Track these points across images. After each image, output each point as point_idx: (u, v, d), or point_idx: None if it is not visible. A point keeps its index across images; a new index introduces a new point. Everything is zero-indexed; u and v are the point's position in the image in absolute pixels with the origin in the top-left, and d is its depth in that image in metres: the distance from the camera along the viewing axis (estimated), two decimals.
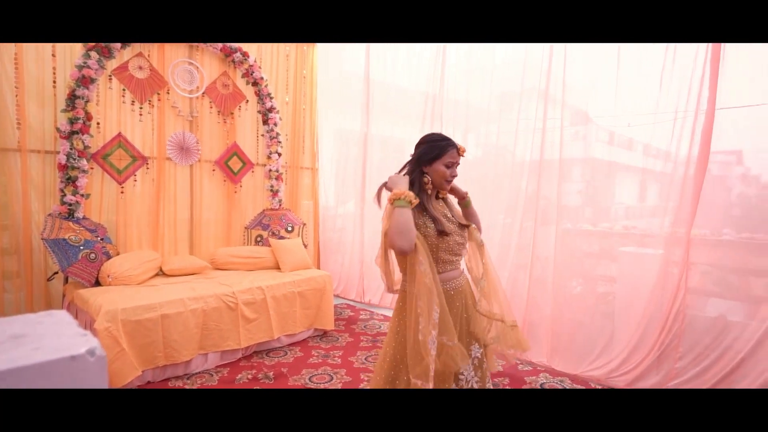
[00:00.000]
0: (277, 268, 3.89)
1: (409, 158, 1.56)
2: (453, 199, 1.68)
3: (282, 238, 4.17)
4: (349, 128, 4.79)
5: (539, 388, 2.83)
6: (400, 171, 1.55)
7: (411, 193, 1.38)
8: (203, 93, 3.89)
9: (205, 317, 2.93)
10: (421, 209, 1.46)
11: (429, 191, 1.51)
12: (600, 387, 2.77)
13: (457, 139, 3.60)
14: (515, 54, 3.18)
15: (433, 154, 1.49)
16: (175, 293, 2.90)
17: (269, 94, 4.29)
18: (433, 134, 1.55)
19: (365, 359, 3.28)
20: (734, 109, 2.29)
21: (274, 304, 3.36)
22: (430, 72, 3.81)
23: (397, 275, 1.55)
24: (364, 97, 4.46)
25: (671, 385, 2.45)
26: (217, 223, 4.10)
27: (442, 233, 1.46)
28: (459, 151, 1.52)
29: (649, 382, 2.53)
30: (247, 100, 4.23)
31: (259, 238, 4.17)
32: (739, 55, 2.25)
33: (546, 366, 3.04)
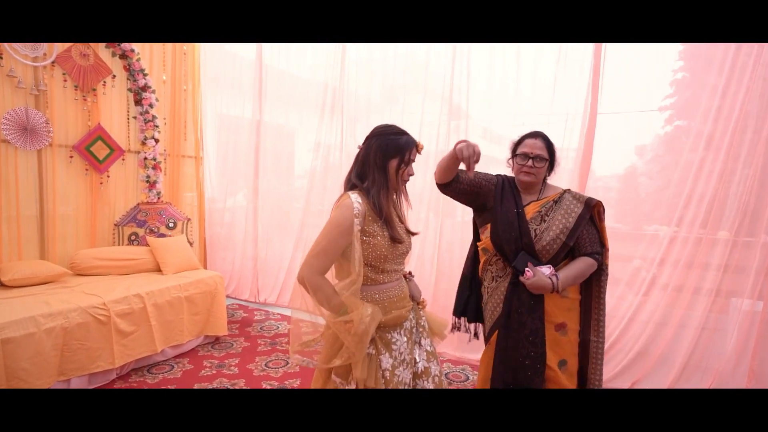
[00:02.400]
0: (158, 270, 3.42)
1: (360, 151, 1.39)
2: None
3: (162, 235, 3.67)
4: (239, 114, 4.39)
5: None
6: (351, 170, 1.40)
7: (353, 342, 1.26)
8: (53, 62, 3.19)
9: (66, 336, 2.42)
10: (377, 214, 1.32)
11: (389, 190, 1.37)
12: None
13: (358, 131, 3.58)
14: (420, 49, 3.21)
15: (392, 150, 1.34)
16: (21, 310, 2.34)
17: (142, 70, 3.70)
18: (388, 126, 1.39)
19: (265, 365, 3.06)
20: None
21: (157, 313, 2.94)
22: (330, 60, 3.65)
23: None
24: (256, 83, 4.12)
25: None
26: (78, 220, 3.43)
27: (395, 240, 1.34)
28: (418, 148, 1.39)
29: None
30: (114, 75, 3.59)
31: (133, 237, 3.61)
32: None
33: (449, 356, 3.18)
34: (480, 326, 1.83)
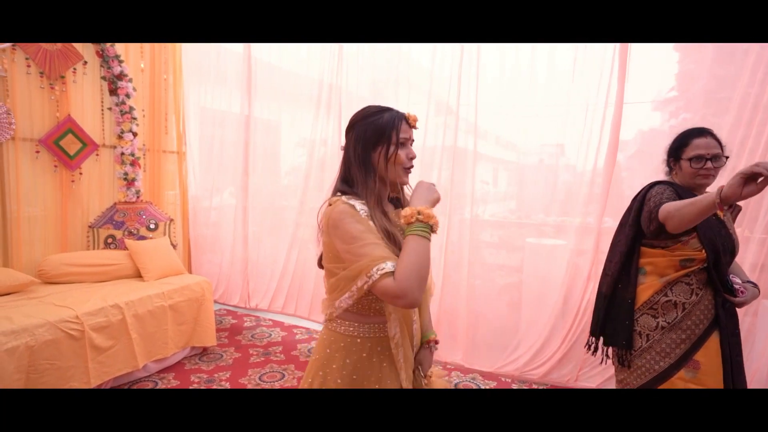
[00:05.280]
0: (139, 276, 3.12)
1: (344, 151, 1.12)
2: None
3: (143, 238, 3.36)
4: (225, 108, 4.07)
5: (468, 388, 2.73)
6: (341, 172, 1.12)
7: (431, 214, 0.98)
8: (14, 45, 2.85)
9: (32, 356, 2.12)
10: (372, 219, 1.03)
11: (380, 193, 1.08)
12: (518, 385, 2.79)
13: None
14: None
15: (372, 135, 1.05)
16: None
17: (117, 57, 3.37)
18: (364, 109, 1.10)
19: (260, 378, 2.81)
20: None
21: (137, 325, 2.64)
22: (326, 54, 3.37)
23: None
24: (244, 76, 3.82)
25: (581, 373, 2.56)
26: (47, 221, 3.09)
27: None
28: (409, 121, 1.09)
29: (562, 372, 2.61)
30: (86, 62, 3.26)
31: (110, 240, 3.29)
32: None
33: (457, 365, 2.96)
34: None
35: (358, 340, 1.08)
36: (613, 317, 1.60)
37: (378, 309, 1.07)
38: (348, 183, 1.08)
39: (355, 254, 0.96)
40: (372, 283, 0.93)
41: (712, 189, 1.52)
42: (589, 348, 1.72)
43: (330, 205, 1.04)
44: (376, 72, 3.30)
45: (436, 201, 1.03)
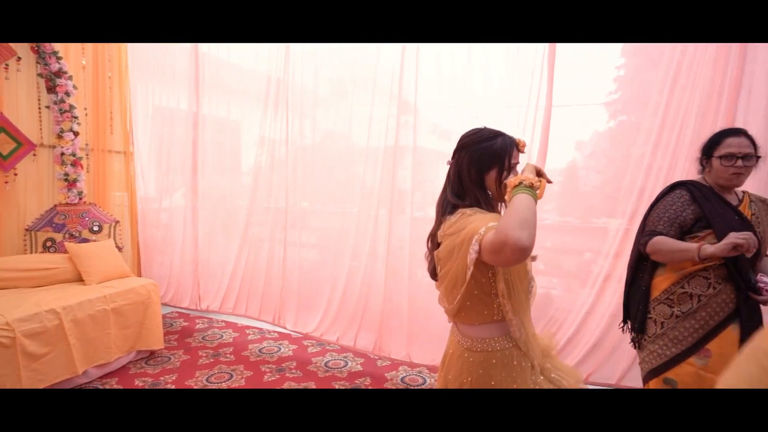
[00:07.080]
0: (80, 280, 3.03)
1: (450, 168, 1.22)
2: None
3: (85, 240, 3.27)
4: (174, 106, 4.00)
5: (403, 385, 2.80)
6: (444, 189, 1.22)
7: (536, 179, 1.03)
8: None
9: None
10: None
11: (489, 208, 1.17)
12: None
13: (305, 125, 3.35)
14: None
15: (488, 160, 1.15)
16: None
17: (55, 53, 3.26)
18: (477, 132, 1.18)
19: (207, 380, 2.79)
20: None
21: (77, 330, 2.58)
22: (273, 50, 3.37)
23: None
24: (192, 71, 3.77)
25: None
26: None
27: None
28: (519, 147, 1.17)
29: None
30: (19, 58, 3.13)
31: (49, 243, 3.18)
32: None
33: (405, 360, 3.03)
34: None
35: (506, 352, 1.11)
36: (632, 303, 1.73)
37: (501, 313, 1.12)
38: (460, 197, 1.18)
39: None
40: (480, 244, 0.97)
41: (750, 187, 1.67)
42: (623, 331, 1.81)
43: (465, 216, 1.10)
44: (325, 70, 3.33)
45: (539, 173, 1.10)
